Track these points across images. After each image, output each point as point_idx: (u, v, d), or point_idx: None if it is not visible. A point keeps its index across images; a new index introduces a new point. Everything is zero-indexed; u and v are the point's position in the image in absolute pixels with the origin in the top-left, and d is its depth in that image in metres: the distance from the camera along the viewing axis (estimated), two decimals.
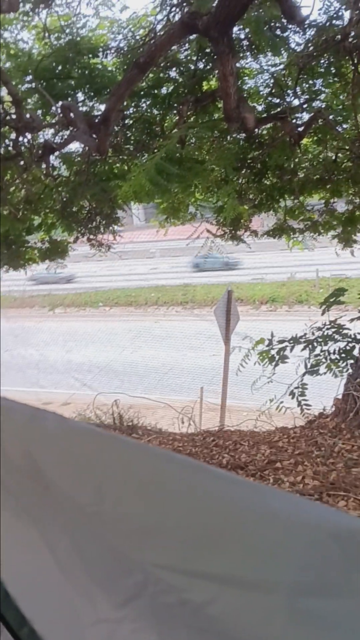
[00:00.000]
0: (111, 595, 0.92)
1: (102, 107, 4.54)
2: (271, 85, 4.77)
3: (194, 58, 4.49)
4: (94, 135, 4.12)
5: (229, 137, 4.97)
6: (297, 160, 5.31)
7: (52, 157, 5.05)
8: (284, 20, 3.80)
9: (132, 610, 0.89)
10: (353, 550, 0.68)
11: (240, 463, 4.17)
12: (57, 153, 5.06)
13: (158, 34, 4.18)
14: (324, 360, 4.60)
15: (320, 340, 4.65)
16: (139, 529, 0.89)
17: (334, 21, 3.92)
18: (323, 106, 4.70)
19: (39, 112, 4.66)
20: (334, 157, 5.32)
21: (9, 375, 13.42)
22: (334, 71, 4.41)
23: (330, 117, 4.54)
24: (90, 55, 4.59)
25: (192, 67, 4.55)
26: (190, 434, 5.85)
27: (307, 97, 4.65)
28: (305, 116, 4.69)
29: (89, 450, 0.97)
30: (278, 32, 4.08)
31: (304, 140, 5.04)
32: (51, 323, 19.52)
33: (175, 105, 4.70)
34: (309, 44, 4.14)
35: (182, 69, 4.68)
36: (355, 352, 4.64)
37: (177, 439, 5.40)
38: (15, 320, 19.41)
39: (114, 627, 0.90)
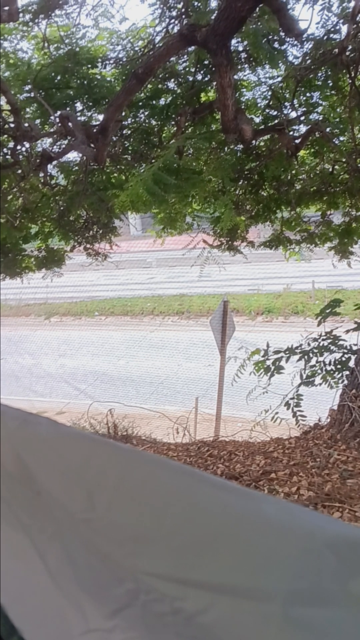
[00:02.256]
0: (102, 604, 0.90)
1: (101, 117, 4.55)
2: (269, 97, 4.80)
3: (193, 70, 4.52)
4: (92, 145, 4.13)
5: (226, 149, 5.00)
6: (294, 172, 5.33)
7: (49, 166, 5.06)
8: (282, 34, 3.83)
9: (123, 619, 0.87)
10: (348, 559, 0.67)
11: (234, 473, 4.15)
12: (55, 162, 5.07)
13: (157, 45, 4.21)
14: (319, 371, 4.60)
15: (315, 351, 4.65)
16: (131, 536, 0.88)
17: (331, 35, 3.96)
18: (320, 119, 4.73)
19: (38, 121, 4.67)
20: (330, 169, 5.36)
21: (2, 384, 13.35)
22: (331, 84, 4.44)
23: (327, 129, 4.57)
24: (89, 66, 4.61)
25: (191, 79, 4.58)
26: (184, 444, 5.83)
27: (304, 109, 4.68)
28: (303, 128, 4.73)
29: (81, 455, 0.96)
30: (276, 45, 4.11)
31: (301, 152, 5.07)
32: (47, 332, 19.46)
33: (173, 116, 4.73)
34: (307, 57, 4.18)
35: (180, 80, 4.71)
36: (351, 363, 4.64)
37: (171, 448, 5.37)
38: (10, 328, 19.34)
39: (104, 637, 0.89)
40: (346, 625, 0.65)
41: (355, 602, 0.65)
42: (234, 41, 3.87)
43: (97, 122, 4.57)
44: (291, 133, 4.60)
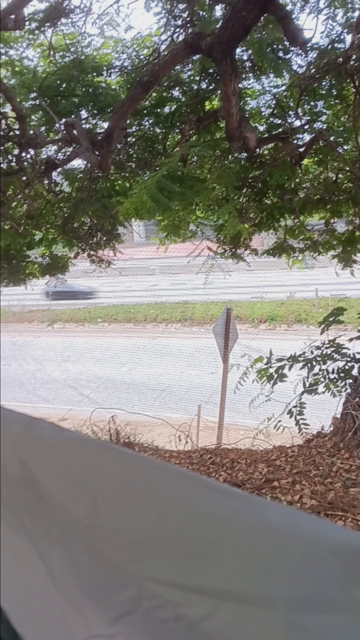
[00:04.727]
0: (105, 610, 0.90)
1: (105, 124, 4.58)
2: (273, 106, 4.83)
3: (197, 78, 4.55)
4: (97, 153, 4.15)
5: (230, 157, 5.02)
6: (297, 180, 5.35)
7: (54, 173, 5.09)
8: (287, 43, 3.85)
9: (125, 626, 0.87)
10: (352, 565, 0.67)
11: (237, 481, 4.14)
12: (59, 169, 5.10)
13: (162, 53, 4.23)
14: (322, 379, 4.58)
15: (319, 359, 4.64)
16: (135, 541, 0.88)
17: (335, 44, 3.99)
18: (324, 127, 4.75)
19: (43, 128, 4.69)
20: (334, 178, 5.37)
21: (4, 390, 13.35)
22: (335, 93, 4.46)
23: (331, 138, 4.59)
24: (95, 74, 4.64)
25: (195, 87, 4.60)
26: (187, 451, 5.82)
27: (308, 118, 4.70)
28: (307, 137, 4.74)
29: (85, 460, 0.96)
30: (280, 54, 4.14)
31: (305, 161, 5.09)
32: (50, 338, 19.47)
33: (178, 124, 4.75)
34: (311, 66, 4.21)
35: (185, 88, 4.74)
36: (354, 372, 4.63)
37: (174, 456, 5.36)
38: (13, 334, 19.36)
39: None
40: (350, 632, 0.64)
41: (359, 608, 0.65)
42: (238, 50, 3.90)
43: (102, 130, 4.60)
44: (295, 141, 4.61)
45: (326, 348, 4.69)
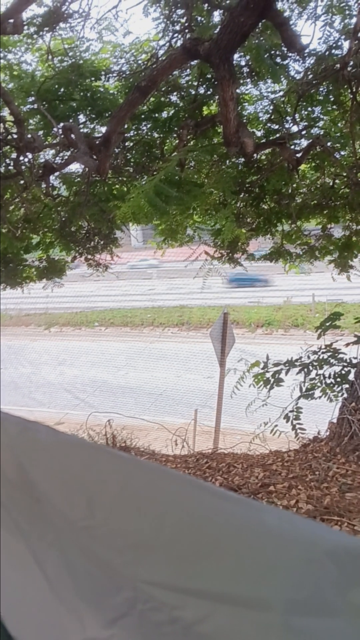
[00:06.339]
0: (100, 612, 0.90)
1: (103, 129, 4.59)
2: (270, 111, 4.84)
3: (195, 83, 4.56)
4: (95, 157, 4.15)
5: (228, 162, 5.03)
6: (295, 185, 5.36)
7: (52, 177, 5.09)
8: (284, 49, 3.87)
9: (121, 628, 0.87)
10: (348, 568, 0.67)
11: (233, 486, 4.13)
12: (57, 173, 5.10)
13: (160, 58, 4.25)
14: (319, 384, 4.59)
15: (315, 364, 4.65)
16: (131, 544, 0.88)
17: (333, 50, 4.00)
18: (321, 133, 4.76)
19: (41, 132, 4.70)
20: (331, 183, 5.39)
21: (1, 394, 13.31)
22: (332, 99, 4.48)
23: (329, 144, 4.60)
24: (93, 78, 4.65)
25: (193, 92, 4.62)
26: (183, 455, 5.81)
27: (305, 123, 4.71)
28: (304, 142, 4.76)
29: (81, 463, 0.96)
30: (278, 59, 4.15)
31: (302, 166, 5.10)
32: (46, 342, 19.45)
33: (176, 129, 4.76)
34: (309, 72, 4.23)
35: (183, 93, 4.75)
36: (351, 377, 4.63)
37: (170, 460, 5.35)
38: (10, 338, 19.33)
39: None
40: (346, 634, 0.65)
41: (355, 611, 0.65)
42: (236, 55, 3.91)
43: (100, 134, 4.60)
44: (292, 147, 4.62)
45: (323, 353, 4.69)
